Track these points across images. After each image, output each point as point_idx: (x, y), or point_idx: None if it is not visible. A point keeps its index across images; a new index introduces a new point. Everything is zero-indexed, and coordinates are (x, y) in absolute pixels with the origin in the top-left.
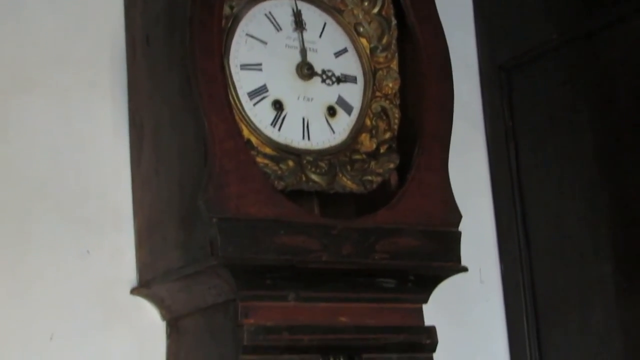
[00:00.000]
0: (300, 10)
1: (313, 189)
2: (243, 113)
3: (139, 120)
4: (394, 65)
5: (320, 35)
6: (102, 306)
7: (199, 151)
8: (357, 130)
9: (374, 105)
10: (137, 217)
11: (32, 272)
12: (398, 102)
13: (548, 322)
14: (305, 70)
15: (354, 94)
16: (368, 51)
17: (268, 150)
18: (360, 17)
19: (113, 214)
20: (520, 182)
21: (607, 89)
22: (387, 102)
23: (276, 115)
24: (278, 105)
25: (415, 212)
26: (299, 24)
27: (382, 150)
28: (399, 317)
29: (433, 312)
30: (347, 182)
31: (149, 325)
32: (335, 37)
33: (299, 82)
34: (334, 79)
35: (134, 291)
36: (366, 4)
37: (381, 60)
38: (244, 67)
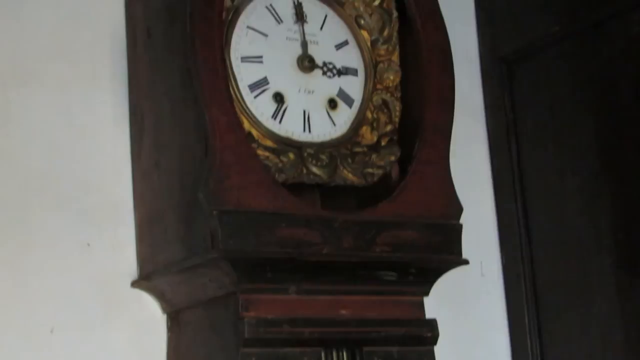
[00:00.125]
0: (301, 3)
1: (314, 182)
2: (244, 106)
3: (139, 113)
4: (395, 57)
5: (321, 28)
6: (103, 299)
7: (199, 144)
8: (358, 122)
9: (375, 98)
10: (138, 210)
11: (32, 265)
12: (399, 94)
13: (549, 314)
14: (306, 63)
15: (354, 86)
16: (369, 44)
17: (269, 143)
18: (361, 9)
19: (113, 207)
20: (522, 174)
21: (609, 82)
22: (388, 94)
23: (277, 108)
24: (279, 98)
25: (416, 205)
26: (299, 16)
27: (383, 143)
28: (400, 310)
29: (434, 305)
30: (348, 175)
31: (149, 318)
32: (336, 29)
33: (300, 75)
34: (334, 71)
35: (134, 284)
36: None
37: (382, 52)
38: (244, 59)
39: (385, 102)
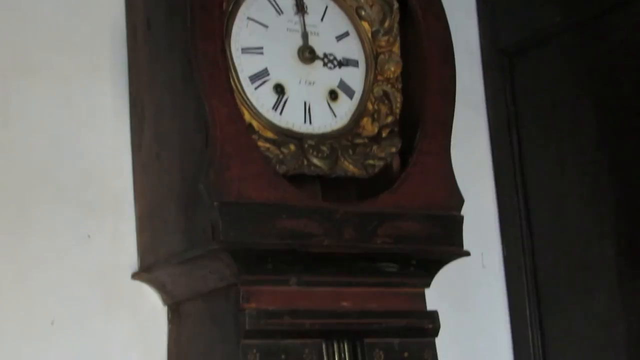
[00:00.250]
0: None
1: (315, 173)
2: (244, 97)
3: (139, 105)
4: (396, 49)
5: (322, 19)
6: (103, 291)
7: (200, 135)
8: (359, 114)
9: (375, 89)
10: (138, 202)
11: (32, 257)
12: (400, 86)
13: (550, 306)
14: (307, 54)
15: (355, 77)
16: (370, 35)
17: (269, 134)
18: (362, 0)
19: (114, 198)
20: (523, 166)
21: (610, 73)
22: (389, 86)
23: (277, 99)
24: (279, 89)
25: (417, 196)
26: (300, 7)
27: (384, 135)
28: (401, 302)
29: (435, 296)
30: (349, 166)
31: (150, 310)
32: (336, 20)
33: (301, 66)
34: (335, 62)
35: (135, 276)
36: None
37: (383, 44)
38: (245, 50)
39: (386, 94)
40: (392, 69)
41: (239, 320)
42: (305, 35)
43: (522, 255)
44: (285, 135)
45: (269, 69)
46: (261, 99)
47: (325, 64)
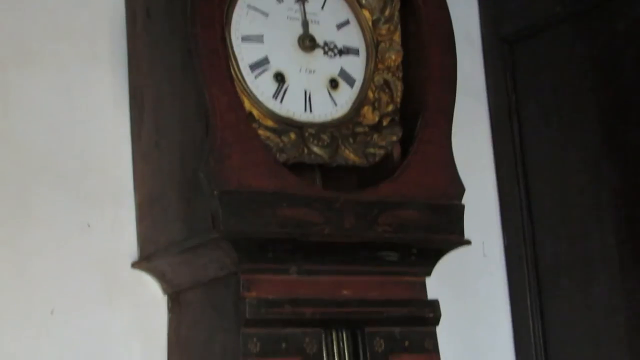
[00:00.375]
0: None
1: (315, 162)
2: (244, 85)
3: (139, 93)
4: (397, 37)
5: (322, 7)
6: (103, 280)
7: (200, 124)
8: (360, 102)
9: (376, 78)
10: (138, 191)
11: (32, 246)
12: (401, 74)
13: (551, 295)
14: (307, 42)
15: (356, 66)
16: (370, 23)
17: (270, 123)
18: None
19: (114, 187)
20: (524, 155)
21: (611, 62)
22: (390, 74)
23: (278, 88)
24: (280, 78)
25: (418, 185)
26: None
27: (384, 123)
28: (401, 291)
29: (436, 285)
30: (350, 155)
31: (150, 299)
32: (337, 9)
33: (301, 54)
34: (336, 51)
35: (135, 265)
36: None
37: (383, 32)
38: (245, 39)
39: (386, 82)
40: (393, 57)
41: (239, 309)
42: (305, 24)
43: (523, 244)
44: (286, 124)
45: (269, 57)
46: (261, 87)
47: (325, 53)
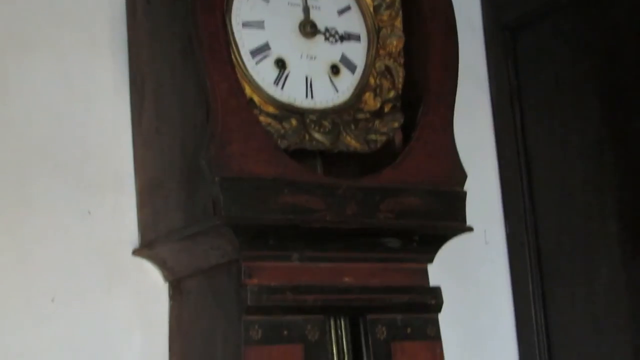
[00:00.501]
0: None
1: (317, 148)
2: (245, 71)
3: (139, 80)
4: (398, 23)
5: None
6: (104, 267)
7: (200, 110)
8: (361, 89)
9: (377, 64)
10: (139, 177)
11: (32, 234)
12: (402, 60)
13: (553, 282)
14: (308, 28)
15: (357, 52)
16: (372, 9)
17: (271, 109)
18: None
19: (114, 174)
20: (525, 142)
21: (613, 48)
22: (391, 60)
23: (279, 74)
24: (281, 64)
25: (420, 172)
26: None
27: (386, 110)
28: (403, 278)
29: (438, 272)
30: (351, 141)
31: (151, 286)
32: None
33: (302, 40)
34: (337, 37)
35: (135, 252)
36: None
37: (385, 18)
38: (246, 24)
39: (388, 68)
40: (395, 43)
41: (240, 296)
42: (306, 9)
43: (525, 231)
44: (287, 110)
45: (270, 43)
46: (262, 73)
47: (326, 39)
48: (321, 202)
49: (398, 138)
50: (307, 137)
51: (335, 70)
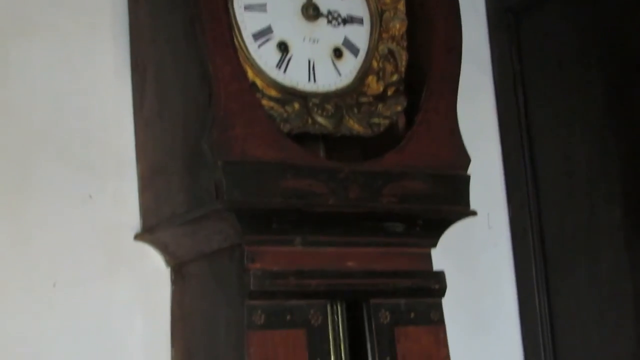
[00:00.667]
0: None
1: (319, 132)
2: (247, 55)
3: (141, 63)
4: (401, 6)
5: None
6: (106, 252)
7: (203, 93)
8: (364, 72)
9: (380, 47)
10: (140, 162)
11: (34, 218)
12: (405, 43)
13: (556, 267)
14: (311, 11)
15: (360, 35)
16: None
17: (273, 93)
18: None
19: (116, 158)
20: (529, 126)
21: (617, 31)
22: (394, 43)
23: (281, 57)
24: (283, 47)
25: (423, 155)
26: None
27: (389, 93)
28: (407, 262)
29: (441, 257)
30: (354, 125)
31: (153, 271)
32: None
33: (305, 23)
34: (339, 20)
35: (137, 237)
36: None
37: (388, 1)
38: (248, 7)
39: (391, 52)
40: (398, 26)
41: (243, 281)
42: None
43: (528, 216)
44: (289, 94)
45: (272, 26)
46: (265, 56)
47: (329, 22)
48: (324, 186)
49: (401, 122)
50: (309, 120)
51: (338, 53)
